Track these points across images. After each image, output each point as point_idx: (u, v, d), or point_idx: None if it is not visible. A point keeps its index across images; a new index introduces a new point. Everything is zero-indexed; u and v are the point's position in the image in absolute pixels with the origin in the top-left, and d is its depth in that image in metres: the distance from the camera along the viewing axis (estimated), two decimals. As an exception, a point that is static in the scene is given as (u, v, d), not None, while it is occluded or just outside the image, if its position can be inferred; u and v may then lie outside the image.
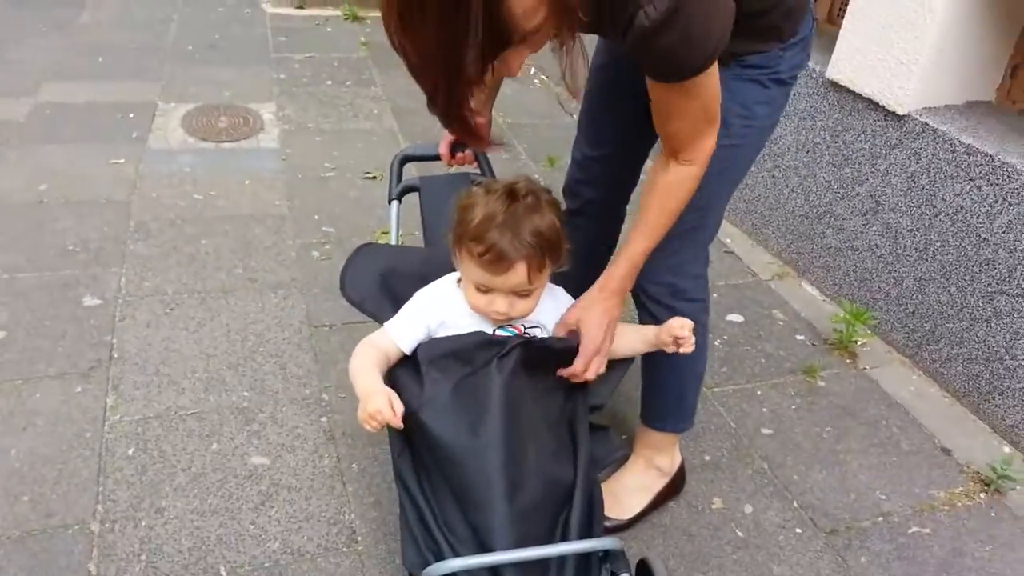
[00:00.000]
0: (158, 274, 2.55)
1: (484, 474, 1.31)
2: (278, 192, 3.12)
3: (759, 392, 2.30)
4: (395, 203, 1.92)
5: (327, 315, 2.44)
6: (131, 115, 3.59)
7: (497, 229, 1.31)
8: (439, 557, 1.30)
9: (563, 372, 1.44)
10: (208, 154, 3.35)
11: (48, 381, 2.09)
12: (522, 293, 1.38)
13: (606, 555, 1.37)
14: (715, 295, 2.59)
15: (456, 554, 1.28)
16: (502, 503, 1.29)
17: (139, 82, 3.93)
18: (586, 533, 1.37)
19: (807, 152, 2.75)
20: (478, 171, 1.90)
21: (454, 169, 1.93)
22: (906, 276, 2.44)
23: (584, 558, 1.34)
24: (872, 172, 2.51)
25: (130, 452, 1.90)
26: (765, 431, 2.16)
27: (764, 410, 2.23)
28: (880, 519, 1.93)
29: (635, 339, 1.52)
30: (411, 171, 2.07)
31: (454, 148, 1.84)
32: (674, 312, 1.57)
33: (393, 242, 1.90)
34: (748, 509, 1.92)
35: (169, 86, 3.92)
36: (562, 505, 1.36)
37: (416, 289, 1.53)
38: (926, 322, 2.40)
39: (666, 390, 1.80)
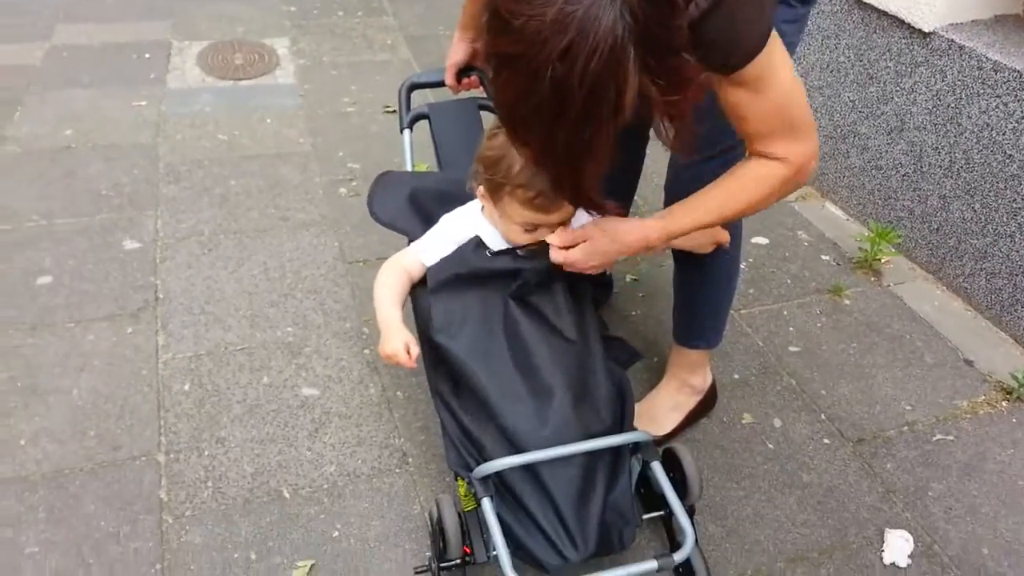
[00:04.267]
0: (192, 215, 2.60)
1: (506, 384, 1.43)
2: (300, 129, 3.14)
3: (786, 312, 2.36)
4: (407, 131, 1.95)
5: (359, 251, 2.50)
6: (147, 55, 3.58)
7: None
8: (479, 460, 1.42)
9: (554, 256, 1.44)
10: (227, 93, 3.35)
11: (99, 323, 2.17)
12: (566, 222, 1.46)
13: (636, 446, 1.50)
14: (740, 218, 2.62)
15: (492, 456, 1.39)
16: (527, 406, 1.41)
17: (151, 21, 3.90)
18: (618, 427, 1.49)
19: (831, 71, 2.73)
20: (484, 95, 1.92)
21: (461, 94, 1.95)
22: (930, 194, 2.46)
23: (616, 448, 1.45)
24: (897, 91, 2.50)
25: (186, 387, 1.99)
26: (792, 349, 2.23)
27: (791, 329, 2.30)
28: (905, 428, 2.01)
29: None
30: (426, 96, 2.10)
31: (459, 74, 1.86)
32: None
33: (408, 169, 1.94)
34: (777, 423, 2.00)
35: (181, 23, 3.89)
36: (591, 400, 1.47)
37: (442, 205, 1.62)
38: (950, 239, 2.43)
39: (701, 308, 1.86)
